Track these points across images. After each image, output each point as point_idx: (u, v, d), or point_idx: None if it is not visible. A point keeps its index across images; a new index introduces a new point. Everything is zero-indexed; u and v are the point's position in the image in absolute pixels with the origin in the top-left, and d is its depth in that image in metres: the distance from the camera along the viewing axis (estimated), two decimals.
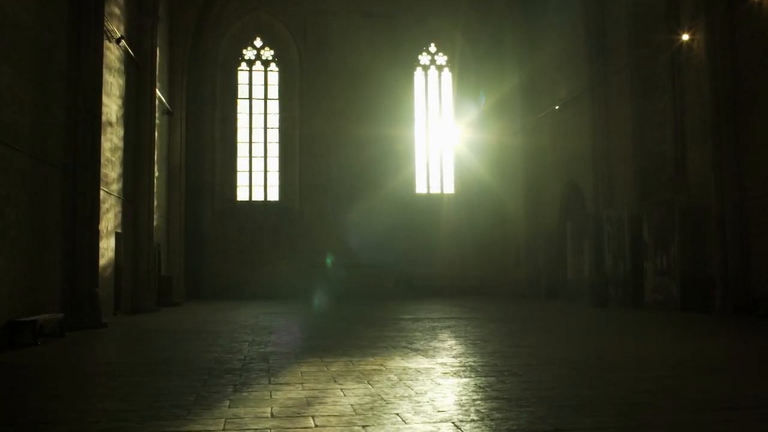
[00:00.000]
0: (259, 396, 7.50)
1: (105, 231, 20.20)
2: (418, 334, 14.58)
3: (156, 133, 26.32)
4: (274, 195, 36.05)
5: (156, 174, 26.77)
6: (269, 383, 8.33)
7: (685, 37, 21.42)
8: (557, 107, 29.73)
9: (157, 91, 26.56)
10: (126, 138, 22.81)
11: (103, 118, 19.73)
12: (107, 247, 20.48)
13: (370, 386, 7.98)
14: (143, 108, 24.02)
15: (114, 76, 21.38)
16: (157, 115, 26.37)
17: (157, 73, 26.23)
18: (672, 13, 23.25)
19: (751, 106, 18.67)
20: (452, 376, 8.77)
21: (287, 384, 8.23)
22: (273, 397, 7.44)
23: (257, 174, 36.16)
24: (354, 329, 16.51)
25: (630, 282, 23.09)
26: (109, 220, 20.82)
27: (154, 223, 25.79)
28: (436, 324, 17.23)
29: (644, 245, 22.38)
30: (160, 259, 27.79)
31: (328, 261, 33.86)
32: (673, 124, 23.37)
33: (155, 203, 26.27)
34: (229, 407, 6.90)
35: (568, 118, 29.04)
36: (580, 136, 27.61)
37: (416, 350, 11.56)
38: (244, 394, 7.65)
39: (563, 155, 29.56)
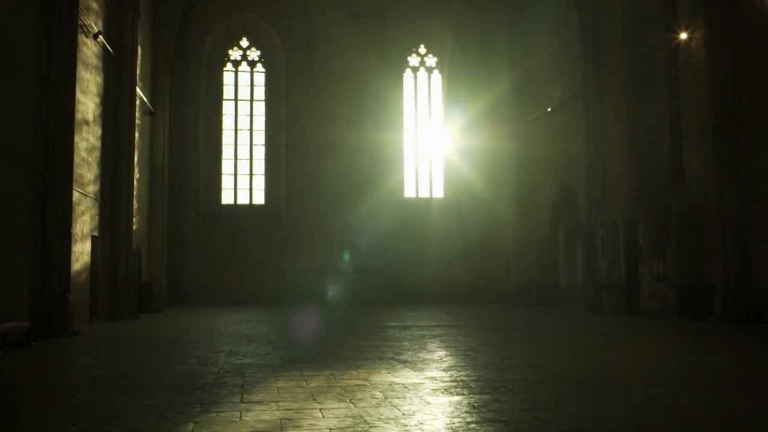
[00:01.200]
0: (227, 417, 6.71)
1: (80, 234, 19.36)
2: (405, 343, 13.80)
3: (137, 134, 25.49)
4: (259, 199, 35.19)
5: (137, 176, 25.98)
6: (241, 401, 7.53)
7: (683, 36, 20.75)
8: (549, 109, 29.03)
9: (138, 90, 25.75)
10: (104, 138, 21.96)
11: (79, 116, 18.92)
12: (82, 251, 19.63)
13: (352, 405, 7.20)
14: (123, 107, 23.16)
15: (91, 73, 20.54)
16: (138, 115, 25.56)
17: (138, 71, 25.43)
18: (669, 12, 22.61)
19: (751, 107, 18.03)
20: (443, 393, 7.99)
21: (261, 403, 7.43)
22: (243, 418, 6.64)
23: (242, 177, 35.28)
24: (338, 338, 15.73)
25: (625, 288, 22.39)
26: (85, 222, 19.97)
27: (134, 227, 24.97)
28: (424, 332, 16.46)
29: (640, 250, 21.68)
30: (141, 264, 26.91)
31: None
32: (670, 126, 22.72)
33: (135, 206, 25.45)
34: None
35: (561, 120, 28.34)
36: (573, 139, 26.93)
37: (404, 362, 10.78)
38: (212, 414, 6.85)
39: (556, 158, 28.85)
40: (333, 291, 31.79)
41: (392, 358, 11.27)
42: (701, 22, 19.57)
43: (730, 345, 13.87)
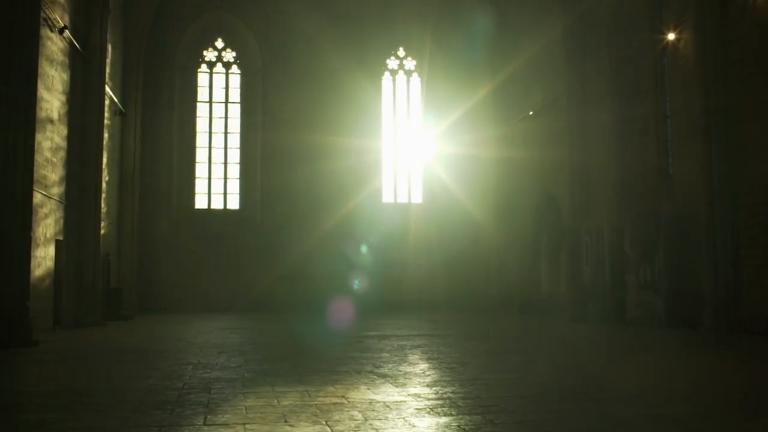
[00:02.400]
0: None
1: (42, 238, 18.42)
2: (385, 354, 13.01)
3: (106, 135, 24.63)
4: (234, 203, 34.29)
5: (106, 178, 25.12)
6: (204, 424, 6.70)
7: (671, 36, 20.18)
8: (531, 113, 28.42)
9: (108, 89, 24.88)
10: (70, 138, 21.02)
11: (42, 113, 18.04)
12: (45, 256, 18.67)
13: (328, 429, 6.40)
14: (91, 106, 22.22)
15: (56, 70, 19.62)
16: (107, 115, 24.69)
17: (108, 70, 24.57)
18: (655, 13, 22.07)
19: (743, 109, 17.45)
20: (428, 413, 7.20)
21: (225, 426, 6.61)
22: None
23: (217, 181, 34.38)
24: (314, 348, 14.90)
25: (610, 296, 21.74)
26: (48, 226, 19.02)
27: (103, 231, 24.05)
28: (404, 342, 15.68)
29: (626, 257, 21.07)
30: (109, 269, 25.91)
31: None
32: (656, 130, 22.15)
33: (104, 209, 24.55)
34: None
35: (544, 124, 27.75)
36: (556, 144, 26.35)
37: (384, 376, 10.00)
38: None
39: (538, 164, 28.25)
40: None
41: (371, 372, 10.48)
42: (690, 22, 19.02)
43: (729, 357, 13.22)
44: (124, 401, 8.05)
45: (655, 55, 22.12)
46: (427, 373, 10.47)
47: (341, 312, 20.03)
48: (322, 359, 12.42)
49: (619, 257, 21.40)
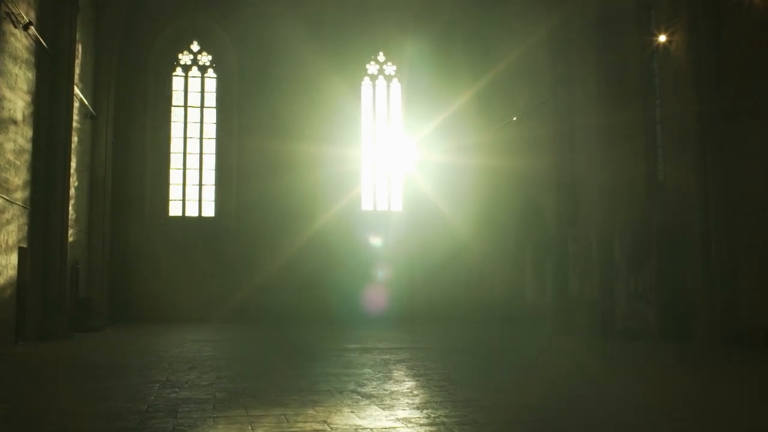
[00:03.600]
0: None
1: (4, 245, 17.41)
2: (368, 370, 12.15)
3: (75, 138, 23.66)
4: (209, 211, 33.28)
5: (75, 183, 24.14)
6: None
7: (662, 38, 19.51)
8: (515, 118, 27.72)
9: (78, 91, 23.90)
10: (36, 140, 20.00)
11: (4, 113, 17.13)
12: (6, 264, 17.64)
13: None
14: (58, 107, 21.19)
15: (21, 68, 18.63)
16: (76, 117, 23.69)
17: (78, 71, 23.60)
18: (644, 14, 21.44)
19: (738, 112, 16.80)
20: None
21: None
22: None
23: (192, 188, 33.36)
24: (292, 363, 13.98)
25: (599, 307, 20.99)
26: (11, 232, 17.99)
27: (71, 238, 23.05)
28: (388, 356, 14.83)
29: (616, 267, 20.34)
30: (78, 278, 24.83)
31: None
32: (645, 135, 21.48)
33: (73, 216, 23.55)
34: None
35: (528, 130, 27.05)
36: (540, 150, 25.68)
37: (369, 396, 9.15)
38: None
39: (522, 171, 27.56)
40: (286, 308, 30.12)
41: (355, 391, 9.63)
42: (683, 23, 18.37)
43: (734, 373, 12.48)
44: (77, 429, 7.16)
45: (643, 58, 21.48)
46: (415, 392, 9.63)
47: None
48: (301, 376, 11.53)
49: (608, 266, 20.69)
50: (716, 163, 17.02)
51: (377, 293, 30.68)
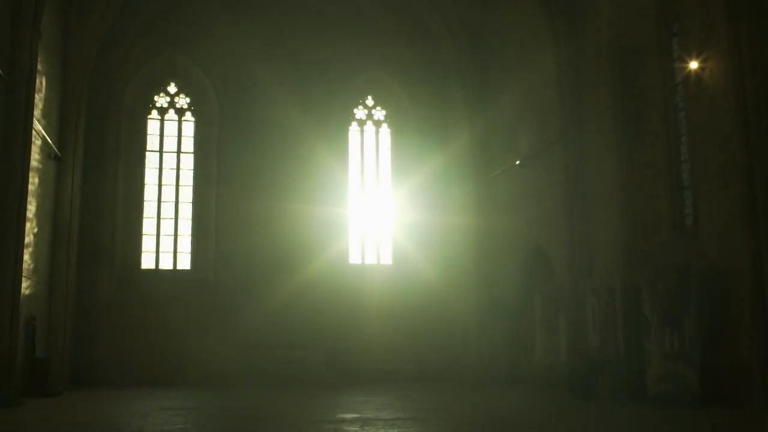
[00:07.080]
0: None
1: None
2: None
3: (36, 179, 21.32)
4: (185, 263, 30.80)
5: (34, 230, 21.67)
6: None
7: (693, 65, 17.51)
8: (518, 162, 25.62)
9: (41, 127, 21.60)
10: None
11: None
12: None
13: None
14: (14, 142, 18.77)
15: None
16: (37, 156, 21.40)
17: (41, 105, 21.37)
18: (666, 42, 19.56)
19: None
20: None
21: None
22: None
23: (166, 238, 30.91)
24: None
25: (625, 368, 18.58)
26: None
27: (28, 291, 20.58)
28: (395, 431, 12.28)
29: (645, 322, 17.98)
30: (35, 336, 22.11)
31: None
32: (669, 175, 19.41)
33: (30, 265, 21.03)
34: None
35: (532, 174, 24.98)
36: (547, 194, 23.58)
37: None
38: None
39: (525, 218, 25.38)
40: (267, 369, 27.55)
41: None
42: (721, 47, 16.37)
43: None
44: None
45: (665, 90, 19.54)
46: None
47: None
48: None
49: (635, 321, 18.32)
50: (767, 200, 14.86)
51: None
